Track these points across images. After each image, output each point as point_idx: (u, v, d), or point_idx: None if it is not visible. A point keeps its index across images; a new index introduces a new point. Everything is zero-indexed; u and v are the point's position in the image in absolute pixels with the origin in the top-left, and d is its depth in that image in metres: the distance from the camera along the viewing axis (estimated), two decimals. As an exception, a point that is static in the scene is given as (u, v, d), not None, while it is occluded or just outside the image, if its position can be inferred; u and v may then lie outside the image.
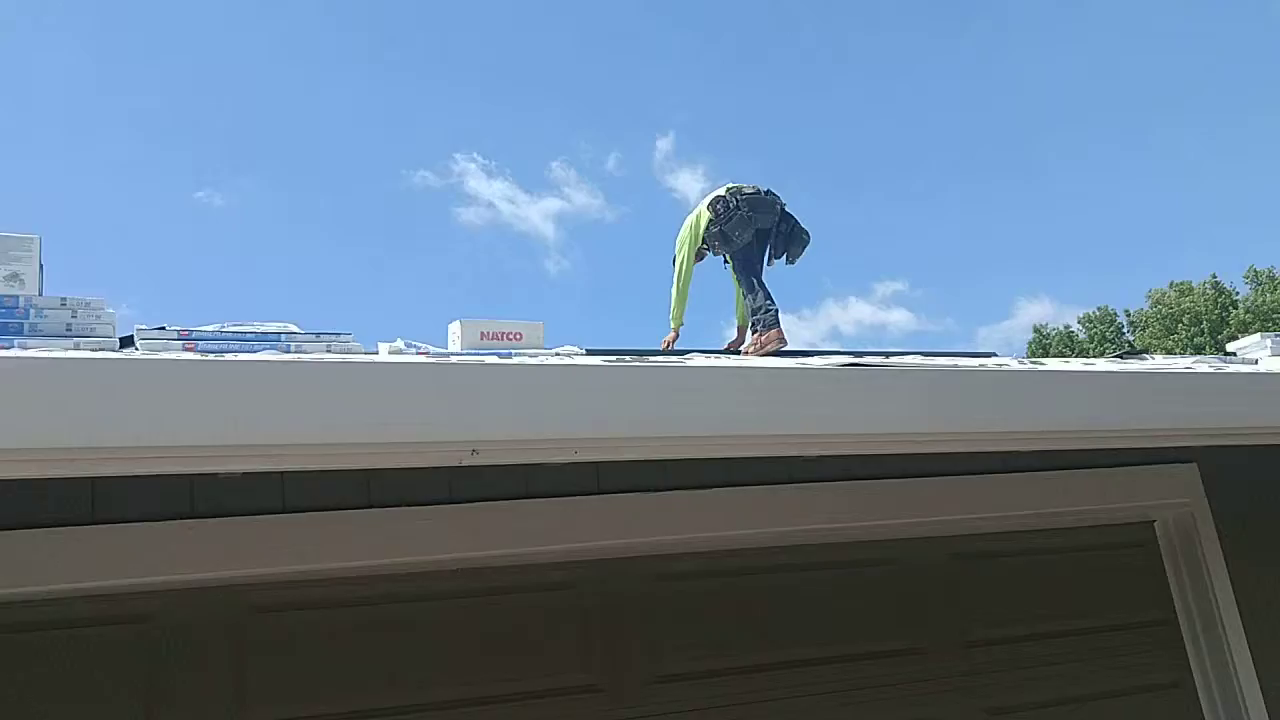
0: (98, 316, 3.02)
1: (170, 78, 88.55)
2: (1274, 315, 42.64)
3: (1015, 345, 58.56)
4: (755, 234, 6.26)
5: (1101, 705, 3.85)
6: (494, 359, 2.55)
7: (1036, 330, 51.48)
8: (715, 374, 2.51)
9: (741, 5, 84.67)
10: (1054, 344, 48.82)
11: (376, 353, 3.42)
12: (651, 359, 3.45)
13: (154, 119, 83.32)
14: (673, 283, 6.43)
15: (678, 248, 6.41)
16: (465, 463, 2.04)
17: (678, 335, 6.42)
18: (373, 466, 2.10)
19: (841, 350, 5.66)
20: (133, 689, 2.76)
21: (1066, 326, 50.92)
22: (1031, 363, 3.80)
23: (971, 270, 79.16)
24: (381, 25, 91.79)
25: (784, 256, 6.44)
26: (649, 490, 3.27)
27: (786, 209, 6.38)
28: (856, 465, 3.52)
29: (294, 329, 3.20)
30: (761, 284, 6.33)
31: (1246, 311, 44.20)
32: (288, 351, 3.09)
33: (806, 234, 6.41)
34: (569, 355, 3.55)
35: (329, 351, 3.17)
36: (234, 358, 2.08)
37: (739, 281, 6.42)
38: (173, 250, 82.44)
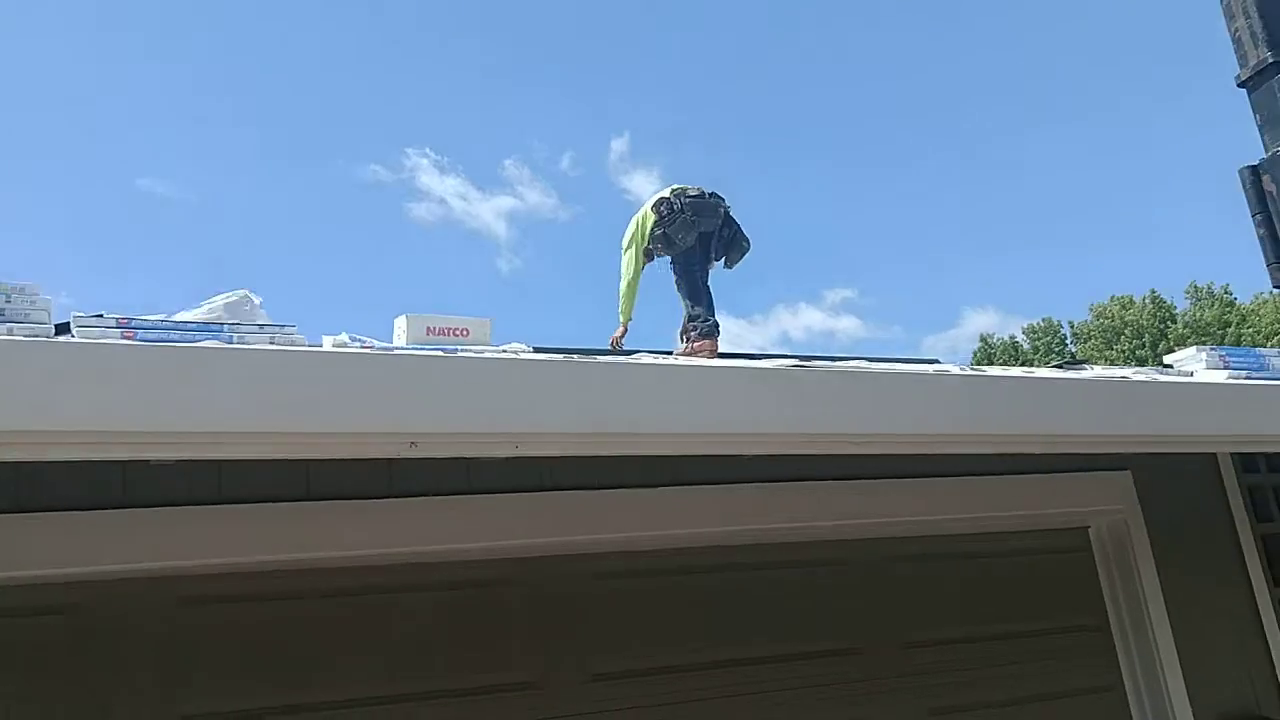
0: (32, 302, 2.94)
1: (111, 62, 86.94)
2: (1211, 330, 43.64)
3: (961, 353, 59.32)
4: (698, 237, 6.28)
5: (1039, 707, 3.92)
6: (437, 352, 2.53)
7: (983, 339, 52.25)
8: (660, 373, 2.52)
9: (695, 9, 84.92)
10: (999, 354, 49.52)
11: (320, 345, 3.38)
12: (598, 357, 3.45)
13: (91, 102, 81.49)
14: (620, 279, 6.44)
15: (624, 247, 6.42)
16: (404, 455, 2.04)
17: (626, 330, 6.42)
18: (311, 456, 2.08)
19: (789, 354, 5.71)
20: (59, 681, 2.71)
21: (1012, 337, 51.74)
22: (973, 370, 3.86)
23: (919, 279, 79.96)
24: (334, 15, 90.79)
25: (723, 260, 6.48)
26: (593, 488, 3.27)
27: (730, 213, 6.42)
28: (798, 467, 3.55)
29: (250, 296, 3.14)
30: (704, 289, 6.36)
31: (1185, 326, 45.20)
32: (230, 342, 3.05)
33: (747, 241, 6.48)
34: (516, 352, 3.54)
35: (272, 343, 3.13)
36: (172, 345, 2.05)
37: (678, 286, 6.44)
38: (111, 238, 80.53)
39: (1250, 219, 2.89)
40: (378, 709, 2.98)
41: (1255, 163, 2.86)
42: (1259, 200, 2.85)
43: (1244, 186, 2.88)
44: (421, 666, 3.07)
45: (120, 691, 2.75)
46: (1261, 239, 2.84)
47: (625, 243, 6.43)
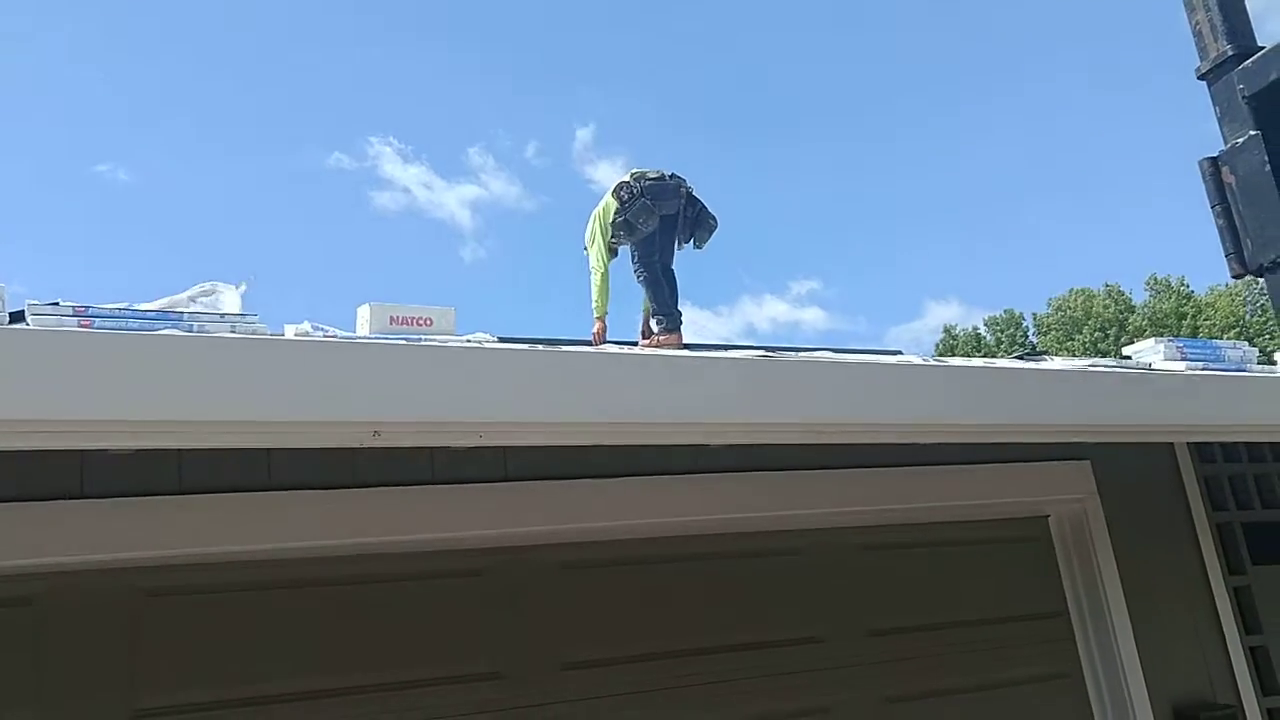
0: (-15, 290, 2.89)
1: (74, 46, 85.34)
2: (1168, 321, 44.23)
3: (924, 345, 59.80)
4: (660, 221, 6.19)
5: (996, 694, 3.96)
6: (400, 341, 2.51)
7: (946, 330, 52.62)
8: (626, 362, 2.52)
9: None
10: (961, 345, 49.93)
11: (282, 334, 3.35)
12: (563, 347, 3.45)
13: (50, 86, 79.80)
14: (590, 274, 6.36)
15: (588, 240, 6.35)
16: (367, 444, 2.02)
17: (605, 325, 6.33)
18: (272, 445, 2.06)
19: (755, 345, 5.72)
20: (16, 675, 2.66)
21: (975, 328, 52.11)
22: (935, 360, 3.89)
23: (883, 271, 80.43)
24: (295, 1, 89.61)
25: (691, 241, 6.41)
26: (556, 478, 3.26)
27: (693, 193, 6.34)
28: (763, 456, 3.55)
29: (220, 286, 3.10)
30: (664, 280, 6.26)
31: (1144, 318, 45.75)
32: (190, 331, 3.01)
33: (714, 219, 6.39)
34: (480, 342, 3.52)
35: (233, 331, 3.10)
36: (130, 332, 2.02)
37: (638, 276, 6.33)
38: (70, 226, 78.82)
39: (1209, 210, 2.94)
40: (343, 700, 2.96)
41: (1215, 154, 2.90)
42: (1218, 192, 2.89)
43: (1204, 178, 2.92)
44: (388, 657, 3.05)
45: (80, 685, 2.71)
46: (1220, 230, 2.89)
47: (588, 236, 6.36)
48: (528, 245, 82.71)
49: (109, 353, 1.87)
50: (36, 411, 1.78)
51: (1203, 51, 2.99)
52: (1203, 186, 2.92)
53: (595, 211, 6.35)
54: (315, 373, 1.99)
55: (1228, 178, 2.89)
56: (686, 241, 6.40)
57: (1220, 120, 2.93)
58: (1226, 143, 2.95)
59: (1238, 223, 2.87)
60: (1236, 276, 3.00)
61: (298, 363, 1.99)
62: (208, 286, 3.27)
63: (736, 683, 3.50)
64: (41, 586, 2.72)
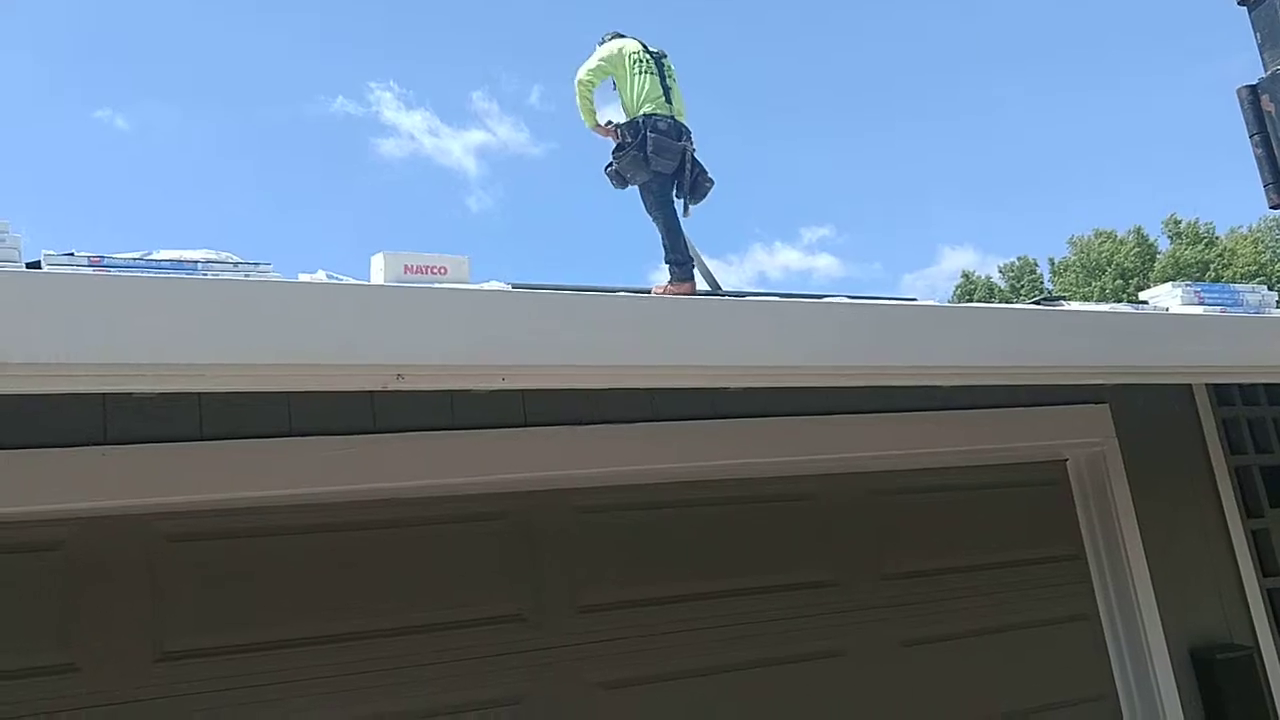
0: (1, 239, 2.91)
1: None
2: (1191, 270, 43.64)
3: (940, 291, 59.28)
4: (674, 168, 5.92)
5: (1011, 636, 3.99)
6: (422, 285, 2.52)
7: (965, 275, 51.90)
8: (642, 305, 2.52)
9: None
10: (980, 291, 49.39)
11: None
12: (583, 293, 3.45)
13: (41, 30, 78.35)
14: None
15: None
16: (390, 387, 2.03)
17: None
18: (295, 389, 2.07)
19: (769, 292, 5.68)
20: (42, 619, 2.70)
21: (988, 277, 51.47)
22: (952, 304, 3.88)
23: (897, 217, 79.51)
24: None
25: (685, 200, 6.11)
26: (575, 423, 3.28)
27: (695, 154, 6.06)
28: (779, 402, 3.56)
29: (232, 257, 3.10)
30: (679, 224, 6.00)
31: (1169, 266, 45.00)
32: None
33: (710, 181, 6.10)
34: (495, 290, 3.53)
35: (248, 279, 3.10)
36: (152, 276, 2.03)
37: (654, 218, 6.06)
38: (72, 174, 77.31)
39: (1248, 140, 2.87)
40: (364, 644, 3.00)
41: (1254, 82, 2.83)
42: (1257, 120, 2.83)
43: (1242, 106, 2.86)
44: (410, 601, 3.09)
45: (107, 628, 2.75)
46: (1259, 159, 2.83)
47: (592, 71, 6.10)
48: (535, 192, 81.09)
49: (130, 296, 1.87)
50: (58, 355, 1.79)
51: (1243, -24, 2.91)
52: (1241, 116, 2.85)
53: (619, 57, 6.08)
54: (337, 316, 1.99)
55: (1267, 106, 2.83)
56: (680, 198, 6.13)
57: (1260, 47, 2.85)
58: (1266, 69, 2.87)
59: (1278, 152, 2.81)
60: (1275, 207, 2.94)
61: (320, 306, 1.99)
62: (224, 255, 3.27)
63: (752, 625, 3.54)
64: (68, 531, 2.76)
